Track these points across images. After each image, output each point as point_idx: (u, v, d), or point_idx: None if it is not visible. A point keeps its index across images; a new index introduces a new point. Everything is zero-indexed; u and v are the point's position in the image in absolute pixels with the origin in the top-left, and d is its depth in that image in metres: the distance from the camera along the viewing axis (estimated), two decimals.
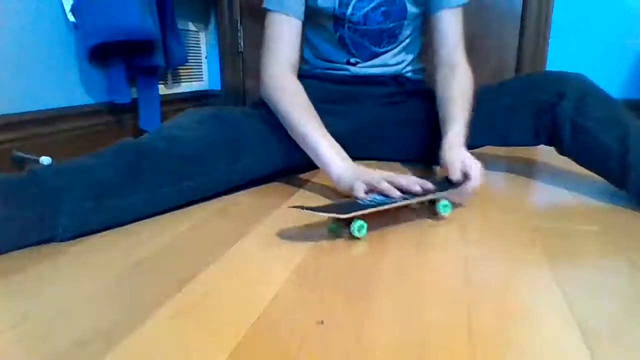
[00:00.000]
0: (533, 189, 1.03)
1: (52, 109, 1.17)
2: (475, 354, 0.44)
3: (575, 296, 0.54)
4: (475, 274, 0.60)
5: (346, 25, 1.07)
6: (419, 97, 1.16)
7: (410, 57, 1.17)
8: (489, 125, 1.05)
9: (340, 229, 0.74)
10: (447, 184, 0.82)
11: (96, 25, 1.17)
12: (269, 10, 0.99)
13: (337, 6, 1.04)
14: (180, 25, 1.59)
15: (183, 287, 0.57)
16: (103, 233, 0.74)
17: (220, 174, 0.89)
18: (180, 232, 0.75)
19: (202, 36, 1.91)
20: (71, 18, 1.19)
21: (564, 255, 0.67)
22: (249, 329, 0.48)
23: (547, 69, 1.70)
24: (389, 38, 1.10)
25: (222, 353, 0.44)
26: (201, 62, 1.92)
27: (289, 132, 0.94)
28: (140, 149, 0.80)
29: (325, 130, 0.90)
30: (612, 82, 1.61)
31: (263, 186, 1.01)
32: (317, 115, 0.92)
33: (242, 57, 1.97)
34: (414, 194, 0.77)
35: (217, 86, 2.01)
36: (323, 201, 0.89)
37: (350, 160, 0.87)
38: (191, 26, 1.81)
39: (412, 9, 1.07)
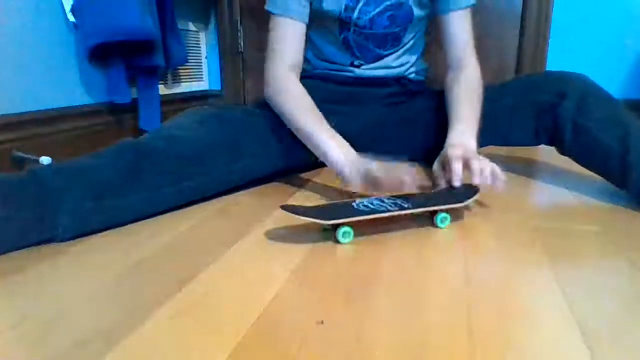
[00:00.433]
0: (533, 189, 1.03)
1: (52, 109, 1.17)
2: (475, 354, 0.44)
3: (575, 296, 0.54)
4: (475, 274, 0.60)
5: (352, 29, 1.07)
6: (422, 98, 1.16)
7: (413, 58, 1.17)
8: (490, 125, 1.05)
9: (331, 233, 0.73)
10: (451, 195, 0.80)
11: (96, 25, 1.17)
12: (274, 14, 0.99)
13: (342, 10, 1.04)
14: (180, 25, 1.59)
15: (183, 287, 0.56)
16: (103, 233, 0.74)
17: (220, 173, 0.89)
18: (180, 232, 0.75)
19: (202, 36, 1.90)
20: (71, 18, 1.19)
21: (564, 255, 0.66)
22: (249, 329, 0.48)
23: (547, 69, 1.70)
24: (393, 41, 1.10)
25: (222, 353, 0.44)
26: (201, 62, 1.92)
27: (295, 133, 0.94)
28: (140, 149, 0.80)
29: (333, 131, 0.90)
30: (612, 82, 1.60)
31: (263, 186, 1.01)
32: (323, 117, 0.92)
33: (242, 57, 1.97)
34: (410, 205, 0.75)
35: (217, 86, 2.01)
36: (323, 201, 0.89)
37: (356, 153, 0.87)
38: (191, 26, 1.81)
39: (418, 12, 1.07)
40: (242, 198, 0.94)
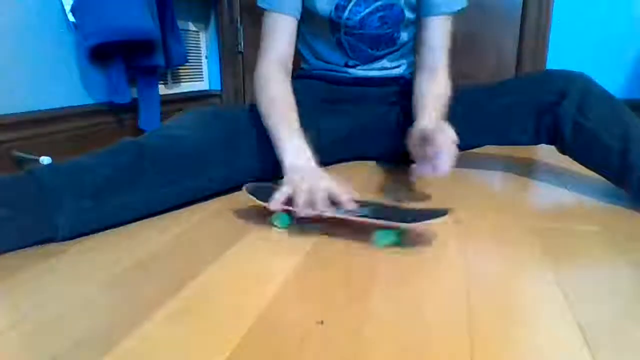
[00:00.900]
0: (533, 189, 1.03)
1: (52, 109, 1.17)
2: (475, 354, 0.44)
3: (575, 296, 0.54)
4: (475, 274, 0.60)
5: (342, 30, 1.07)
6: None
7: (410, 59, 1.17)
8: (489, 124, 1.05)
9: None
10: (411, 215, 0.71)
11: (96, 25, 1.17)
12: (265, 9, 0.99)
13: (333, 9, 1.04)
14: (180, 25, 1.59)
15: (183, 287, 0.56)
16: (103, 233, 0.74)
17: (220, 173, 0.89)
18: (180, 231, 0.75)
19: (202, 36, 1.90)
20: (71, 18, 1.19)
21: (564, 255, 0.66)
22: (249, 329, 0.48)
23: (547, 69, 1.70)
24: (387, 42, 1.10)
25: (221, 353, 0.44)
26: (201, 62, 1.92)
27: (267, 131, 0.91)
28: (140, 149, 0.80)
29: (297, 136, 0.85)
30: (612, 82, 1.60)
31: None
32: (295, 121, 0.89)
33: (242, 57, 1.97)
34: (361, 213, 0.71)
35: (217, 86, 2.01)
36: None
37: (311, 164, 0.81)
38: (191, 26, 1.81)
39: (409, 14, 1.07)
40: (242, 198, 0.93)
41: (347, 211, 0.71)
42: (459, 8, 1.04)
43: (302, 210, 0.70)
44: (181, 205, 0.85)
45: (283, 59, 0.99)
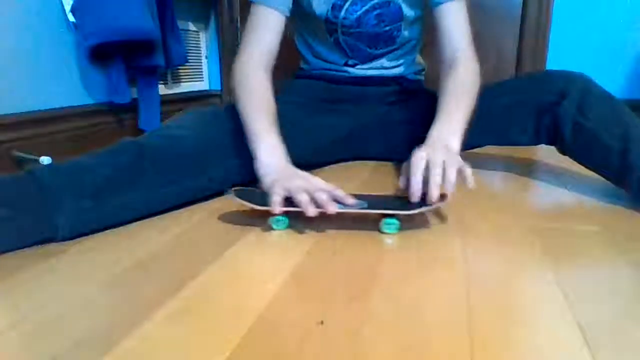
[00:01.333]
0: (533, 189, 1.03)
1: (52, 109, 1.17)
2: (475, 354, 0.44)
3: (575, 296, 0.54)
4: (475, 274, 0.60)
5: (339, 30, 1.06)
6: (420, 97, 1.16)
7: (410, 58, 1.17)
8: (489, 124, 1.04)
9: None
10: (405, 202, 0.74)
11: (96, 25, 1.17)
12: (254, 2, 0.97)
13: (330, 9, 1.04)
14: (180, 25, 1.59)
15: (182, 287, 0.56)
16: (103, 233, 0.74)
17: (220, 173, 0.89)
18: (180, 231, 0.75)
19: (202, 36, 1.90)
20: (71, 18, 1.19)
21: (564, 255, 0.66)
22: (249, 329, 0.48)
23: (547, 69, 1.70)
24: (386, 40, 1.10)
25: (221, 353, 0.44)
26: (201, 62, 1.92)
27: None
28: (140, 148, 0.80)
29: (272, 133, 0.84)
30: (612, 82, 1.60)
31: None
32: (273, 114, 0.88)
33: None
34: (357, 205, 0.72)
35: (217, 86, 2.01)
36: None
37: (285, 162, 0.81)
38: (191, 26, 1.81)
39: (408, 11, 1.06)
40: None
41: (347, 206, 0.73)
42: None
43: (307, 210, 0.70)
44: (181, 205, 0.85)
45: (265, 54, 0.96)
